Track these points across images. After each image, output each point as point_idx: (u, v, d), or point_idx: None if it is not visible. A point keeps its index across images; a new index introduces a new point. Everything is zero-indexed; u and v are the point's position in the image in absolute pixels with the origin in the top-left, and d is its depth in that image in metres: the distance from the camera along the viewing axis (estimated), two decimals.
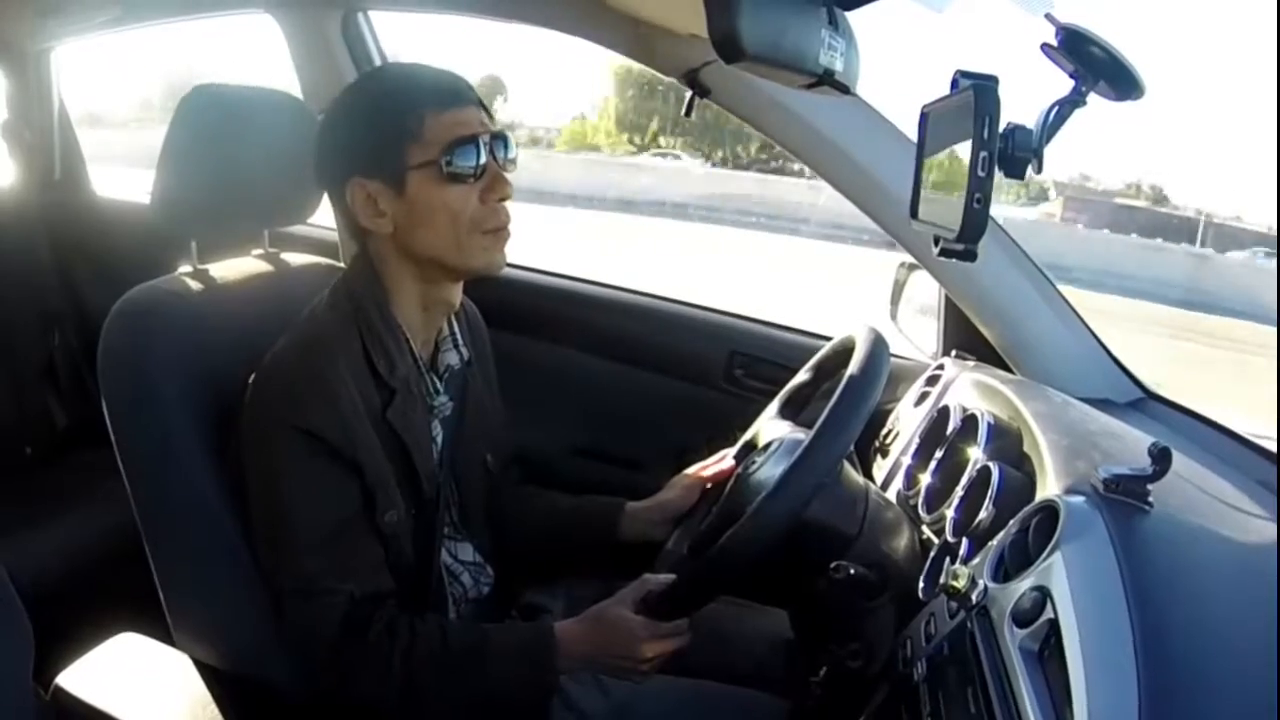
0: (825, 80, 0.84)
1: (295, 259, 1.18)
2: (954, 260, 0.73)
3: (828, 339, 1.12)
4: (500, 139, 0.93)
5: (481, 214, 0.92)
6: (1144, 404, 1.20)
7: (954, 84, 0.72)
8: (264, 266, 1.14)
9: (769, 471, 0.94)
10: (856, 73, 0.90)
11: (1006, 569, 0.73)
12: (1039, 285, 1.20)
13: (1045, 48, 0.75)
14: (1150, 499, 0.76)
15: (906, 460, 1.10)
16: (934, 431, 1.08)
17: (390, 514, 0.94)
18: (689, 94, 1.20)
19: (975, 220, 0.68)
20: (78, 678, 0.95)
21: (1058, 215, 14.89)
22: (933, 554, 0.88)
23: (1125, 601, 0.64)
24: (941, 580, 0.73)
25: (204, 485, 0.96)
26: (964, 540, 0.85)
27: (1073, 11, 0.74)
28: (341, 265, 1.16)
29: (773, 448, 0.99)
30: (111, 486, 1.01)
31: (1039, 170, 0.73)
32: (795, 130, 1.18)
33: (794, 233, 10.49)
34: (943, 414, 1.08)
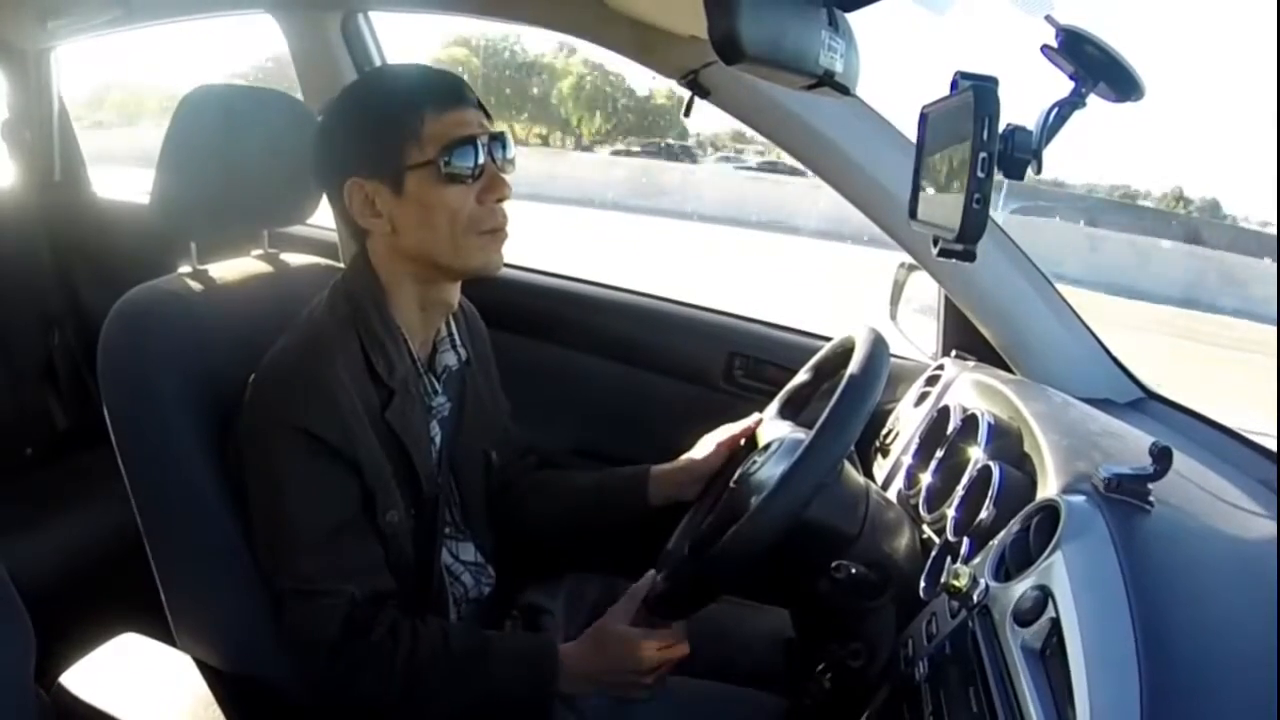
0: (825, 81, 0.84)
1: (295, 259, 1.18)
2: (953, 260, 0.73)
3: (827, 339, 1.12)
4: (498, 140, 0.93)
5: (479, 214, 0.92)
6: (1144, 404, 1.21)
7: (954, 85, 0.72)
8: (263, 267, 1.14)
9: (769, 471, 0.94)
10: (856, 74, 0.90)
11: (1007, 568, 0.73)
12: (1038, 285, 1.20)
13: (1045, 49, 0.75)
14: (1151, 498, 0.77)
15: (907, 460, 1.10)
16: (934, 431, 1.08)
17: (390, 514, 0.94)
18: (689, 94, 1.20)
19: (974, 221, 0.68)
20: (79, 678, 0.95)
21: None
22: (934, 554, 0.88)
23: (1126, 600, 0.64)
24: (943, 580, 0.73)
25: (204, 485, 0.95)
26: (965, 540, 0.85)
27: (1073, 13, 0.74)
28: (341, 265, 1.16)
29: (773, 448, 0.99)
30: (111, 486, 1.01)
31: (1038, 171, 0.73)
32: (795, 131, 1.18)
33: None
34: (943, 414, 1.08)
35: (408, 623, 0.92)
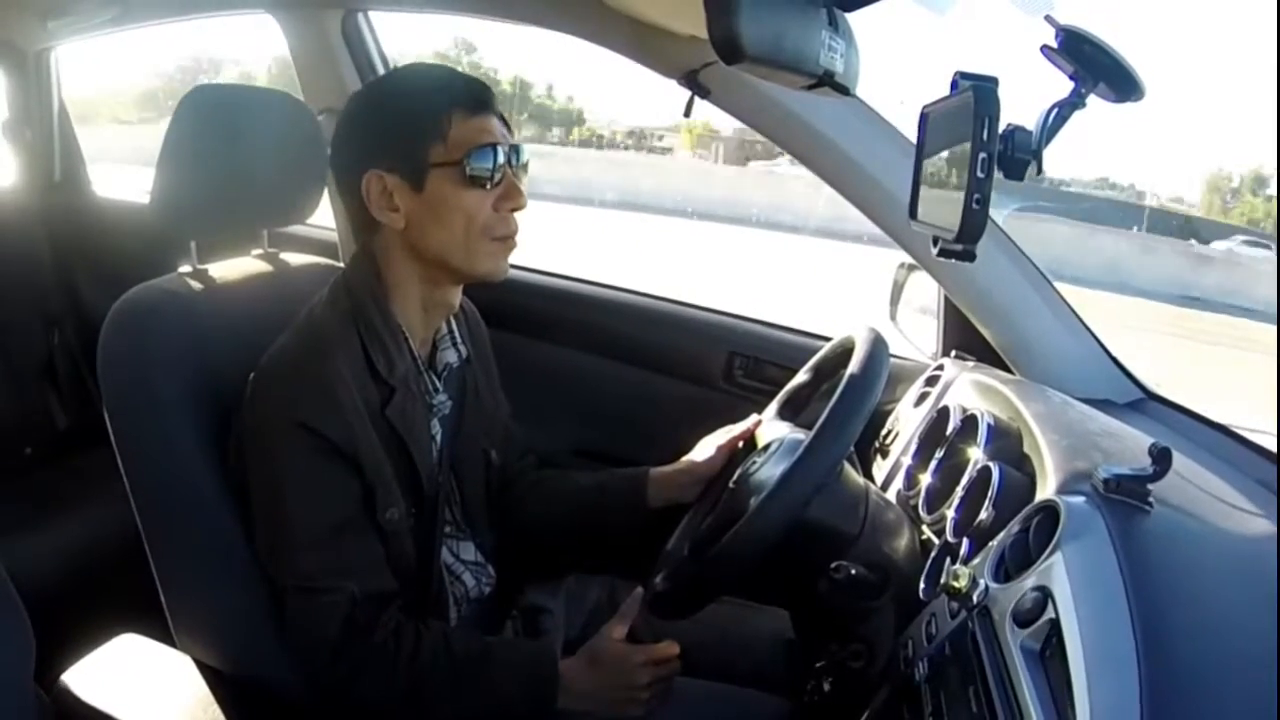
0: (825, 81, 0.84)
1: (294, 259, 1.18)
2: (953, 261, 0.73)
3: (827, 339, 1.12)
4: (516, 150, 0.95)
5: (493, 220, 0.93)
6: (1144, 404, 1.21)
7: (954, 85, 0.72)
8: (263, 266, 1.14)
9: (769, 472, 0.94)
10: (856, 74, 0.90)
11: (1007, 569, 0.73)
12: (1038, 285, 1.20)
13: (1045, 49, 0.75)
14: (1150, 499, 0.77)
15: (907, 460, 1.10)
16: (934, 432, 1.08)
17: (390, 512, 0.94)
18: (689, 95, 1.20)
19: (974, 221, 0.68)
20: (79, 678, 0.95)
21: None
22: (933, 554, 0.88)
23: (1126, 601, 0.64)
24: (942, 580, 0.74)
25: (204, 485, 0.95)
26: (964, 540, 0.85)
27: (1073, 13, 0.74)
28: (341, 265, 1.16)
29: (772, 448, 0.99)
30: (111, 486, 1.01)
31: (1039, 172, 0.73)
32: (795, 131, 1.18)
33: None
34: (943, 414, 1.08)
35: (410, 625, 0.92)
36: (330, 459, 0.90)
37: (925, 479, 1.01)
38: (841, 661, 0.88)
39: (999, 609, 0.69)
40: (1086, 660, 0.59)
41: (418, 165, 0.91)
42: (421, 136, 0.91)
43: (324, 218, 1.22)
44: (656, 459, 1.13)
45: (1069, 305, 1.22)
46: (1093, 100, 0.75)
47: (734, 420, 1.15)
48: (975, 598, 0.70)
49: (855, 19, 0.87)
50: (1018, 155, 0.71)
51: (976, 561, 0.78)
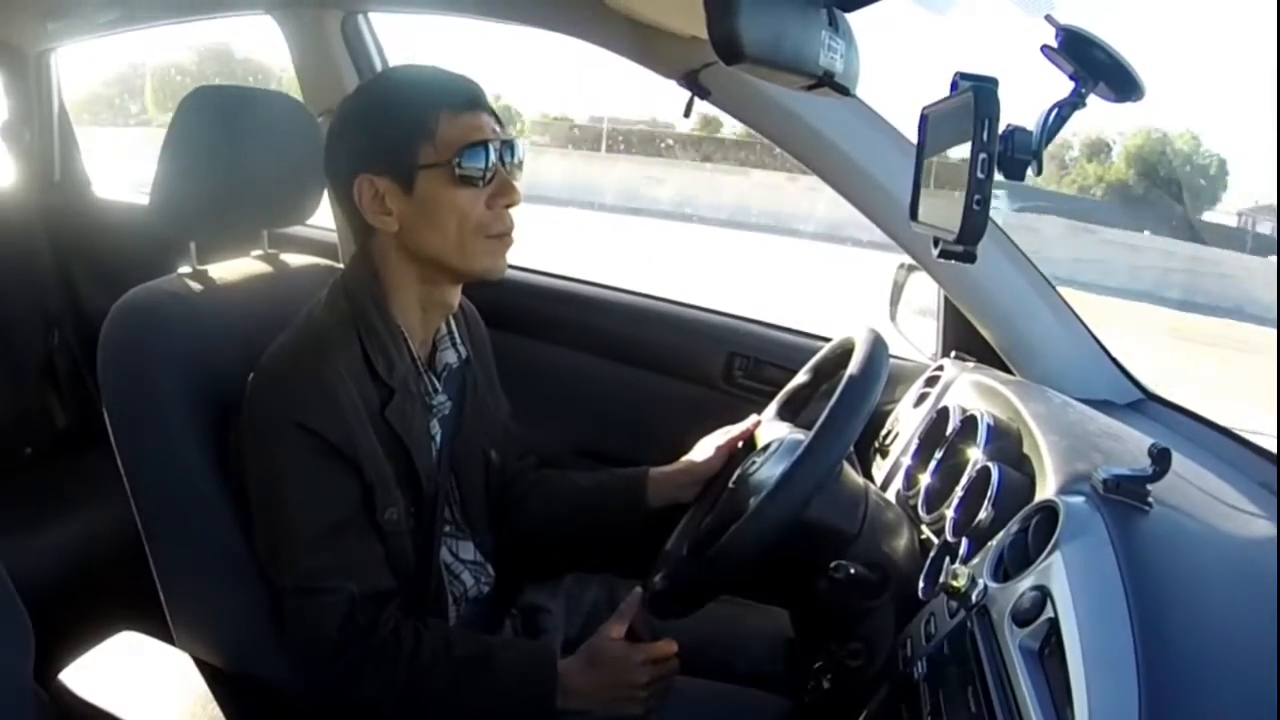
0: (825, 82, 0.84)
1: (294, 260, 1.18)
2: (953, 261, 0.73)
3: (827, 340, 1.12)
4: (509, 146, 0.94)
5: (488, 218, 0.93)
6: (1143, 405, 1.21)
7: (954, 86, 0.72)
8: (263, 267, 1.14)
9: (768, 472, 0.94)
10: (856, 74, 0.90)
11: (1006, 569, 0.73)
12: (1038, 286, 1.20)
13: (1045, 49, 0.75)
14: (1150, 499, 0.77)
15: (906, 461, 1.10)
16: (933, 432, 1.08)
17: (390, 512, 0.94)
18: (689, 95, 1.20)
19: (975, 222, 0.68)
20: (78, 676, 0.95)
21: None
22: (932, 554, 0.88)
23: (1125, 601, 0.64)
24: (941, 580, 0.74)
25: (204, 484, 0.96)
26: (964, 540, 0.85)
27: (1073, 13, 0.74)
28: (340, 266, 1.17)
29: (772, 448, 0.99)
30: (111, 486, 1.01)
31: (1039, 172, 0.73)
32: (795, 132, 1.18)
33: None
34: (942, 415, 1.08)
35: (410, 625, 0.92)
36: (330, 459, 0.90)
37: (925, 479, 1.01)
38: (840, 660, 0.88)
39: (998, 608, 0.69)
40: (1085, 660, 0.59)
41: (407, 167, 0.91)
42: (409, 138, 0.91)
43: (324, 218, 1.22)
44: (656, 459, 1.13)
45: (1069, 306, 1.22)
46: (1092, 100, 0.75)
47: (734, 421, 1.15)
48: (974, 597, 0.70)
49: (855, 19, 0.87)
50: (1018, 155, 0.71)
51: (975, 561, 0.78)
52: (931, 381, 1.23)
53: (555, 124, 13.84)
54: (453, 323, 1.05)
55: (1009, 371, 1.22)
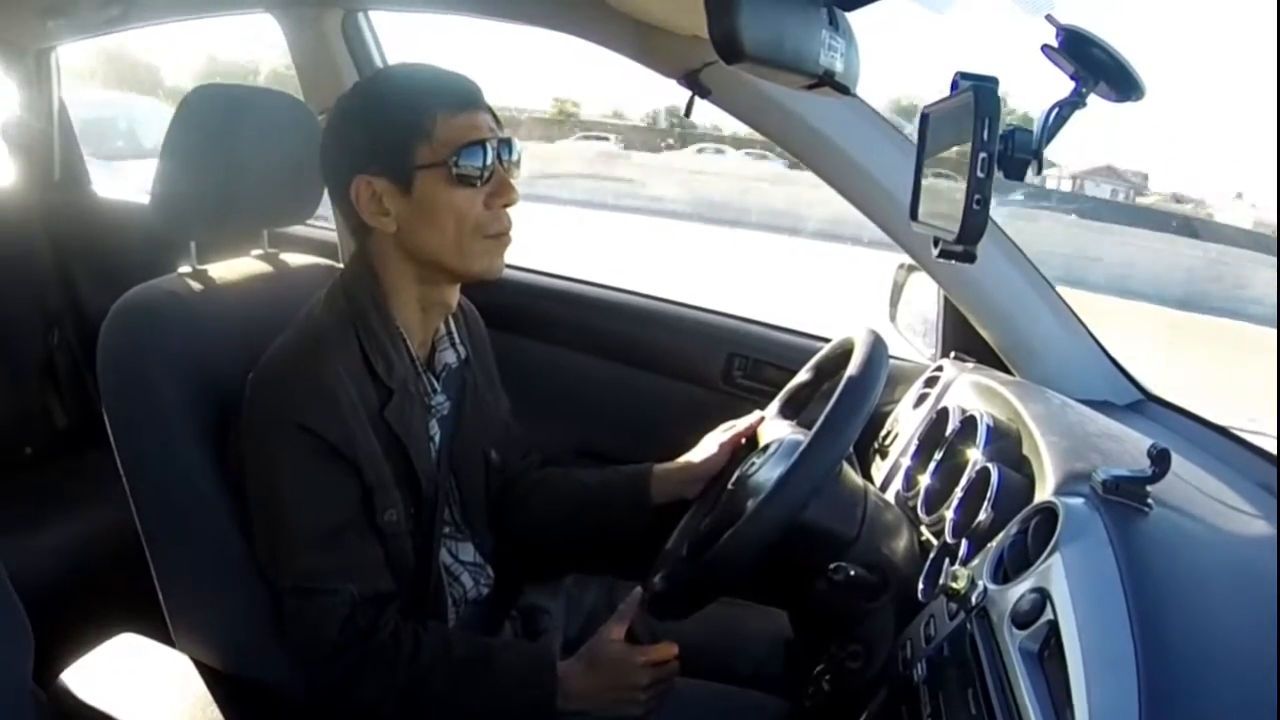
0: (825, 81, 0.84)
1: (294, 259, 1.18)
2: (953, 262, 0.73)
3: (826, 340, 1.12)
4: (507, 144, 0.93)
5: (485, 218, 0.92)
6: (1143, 406, 1.20)
7: (954, 85, 0.72)
8: (263, 267, 1.14)
9: (768, 473, 0.94)
10: (856, 73, 0.90)
11: (1006, 570, 0.73)
12: (1038, 287, 1.20)
13: (1046, 49, 0.75)
14: (1149, 501, 0.76)
15: (906, 462, 1.10)
16: (933, 433, 1.08)
17: (389, 513, 0.94)
18: (689, 94, 1.20)
19: (975, 222, 0.68)
20: (77, 678, 0.95)
21: None
22: (932, 555, 0.88)
23: (1125, 602, 0.64)
24: (941, 581, 0.74)
25: (203, 485, 0.95)
26: (963, 542, 0.85)
27: (1073, 13, 0.74)
28: (340, 265, 1.16)
29: (771, 449, 0.99)
30: (111, 486, 1.01)
31: (1039, 172, 0.73)
32: (795, 131, 1.18)
33: None
34: (942, 415, 1.08)
35: (410, 627, 0.92)
36: (329, 460, 0.89)
37: (924, 480, 1.01)
38: (840, 662, 0.88)
39: (997, 610, 0.68)
40: (1085, 661, 0.59)
41: (404, 168, 0.90)
42: (406, 139, 0.90)
43: (324, 218, 1.22)
44: (655, 460, 1.13)
45: (1069, 307, 1.22)
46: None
47: (733, 421, 1.14)
48: (974, 599, 0.70)
49: (855, 18, 0.87)
50: (1018, 155, 0.71)
51: (975, 563, 0.78)
52: (931, 382, 1.23)
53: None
54: (452, 323, 1.05)
55: (1008, 372, 1.22)
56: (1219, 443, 1.07)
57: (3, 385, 1.75)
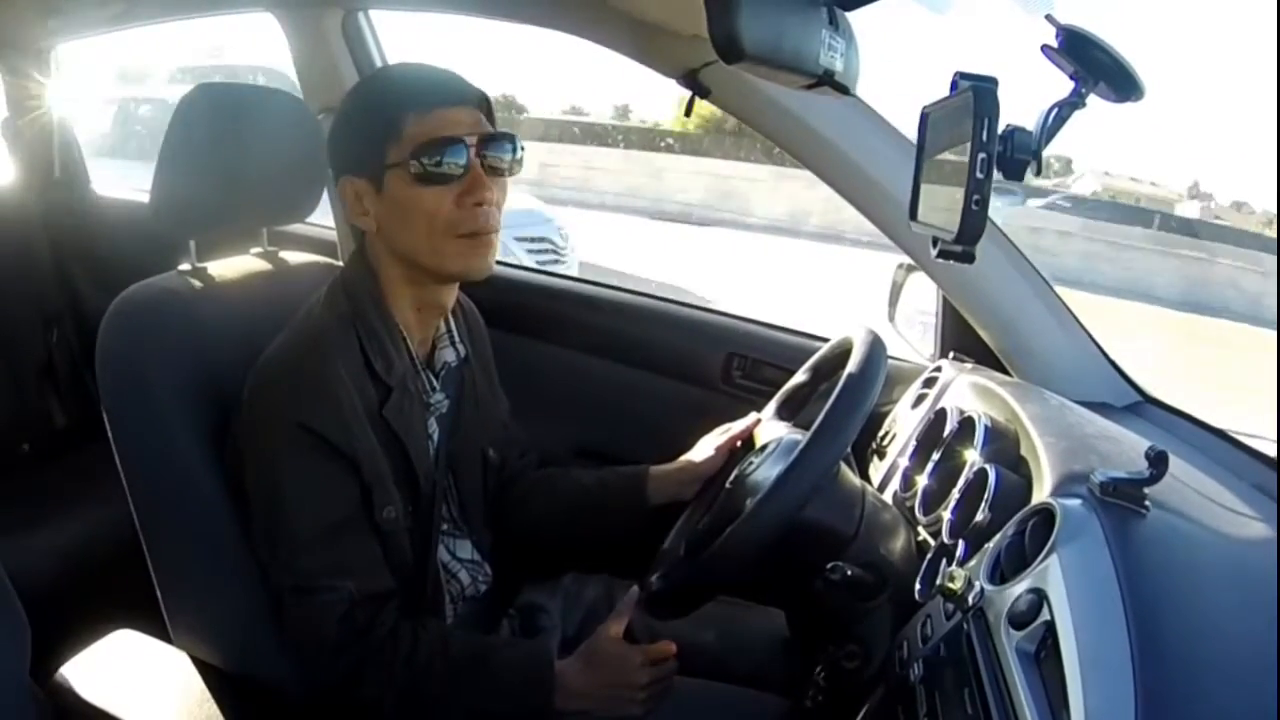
0: (825, 81, 0.84)
1: (294, 258, 1.18)
2: (952, 262, 0.73)
3: (826, 340, 1.12)
4: (491, 141, 0.92)
5: (457, 217, 0.91)
6: (1141, 408, 1.20)
7: (953, 85, 0.72)
8: (262, 265, 1.14)
9: (766, 472, 0.94)
10: (856, 73, 0.90)
11: (1003, 571, 0.73)
12: (1037, 288, 1.20)
13: (1046, 49, 0.75)
14: (1147, 502, 0.76)
15: (903, 462, 1.09)
16: (931, 433, 1.08)
17: (388, 510, 0.94)
18: (689, 94, 1.20)
19: (974, 222, 0.68)
20: (75, 674, 0.95)
21: None
22: (929, 556, 0.88)
23: (1121, 604, 0.64)
24: (938, 582, 0.74)
25: (202, 483, 0.96)
26: (960, 542, 0.85)
27: (1073, 13, 0.74)
28: (340, 264, 1.17)
29: (770, 448, 0.99)
30: (110, 485, 1.01)
31: (1038, 172, 0.73)
32: (795, 131, 1.18)
33: None
34: (940, 416, 1.08)
35: (408, 625, 0.92)
36: (328, 459, 0.90)
37: (922, 480, 1.01)
38: (837, 662, 0.88)
39: (994, 611, 0.68)
40: (1081, 662, 0.59)
41: (376, 167, 0.91)
42: (377, 139, 0.91)
43: (324, 216, 1.22)
44: (655, 459, 1.13)
45: (1068, 308, 1.21)
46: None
47: (732, 421, 1.15)
48: (971, 599, 0.70)
49: (855, 18, 0.87)
50: (1017, 155, 0.71)
51: (972, 563, 0.78)
52: (929, 383, 1.23)
53: None
54: (452, 321, 1.05)
55: (1007, 373, 1.22)
56: (1217, 445, 1.07)
57: (2, 384, 1.75)
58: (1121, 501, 0.76)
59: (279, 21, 1.59)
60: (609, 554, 1.15)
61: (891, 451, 1.17)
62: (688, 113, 1.23)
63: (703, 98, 1.19)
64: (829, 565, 0.86)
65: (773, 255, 8.62)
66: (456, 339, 1.05)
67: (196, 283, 1.04)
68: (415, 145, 0.89)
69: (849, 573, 0.86)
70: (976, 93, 0.68)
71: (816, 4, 0.81)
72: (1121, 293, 8.45)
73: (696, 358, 1.51)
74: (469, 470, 1.07)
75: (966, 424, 1.01)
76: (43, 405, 1.83)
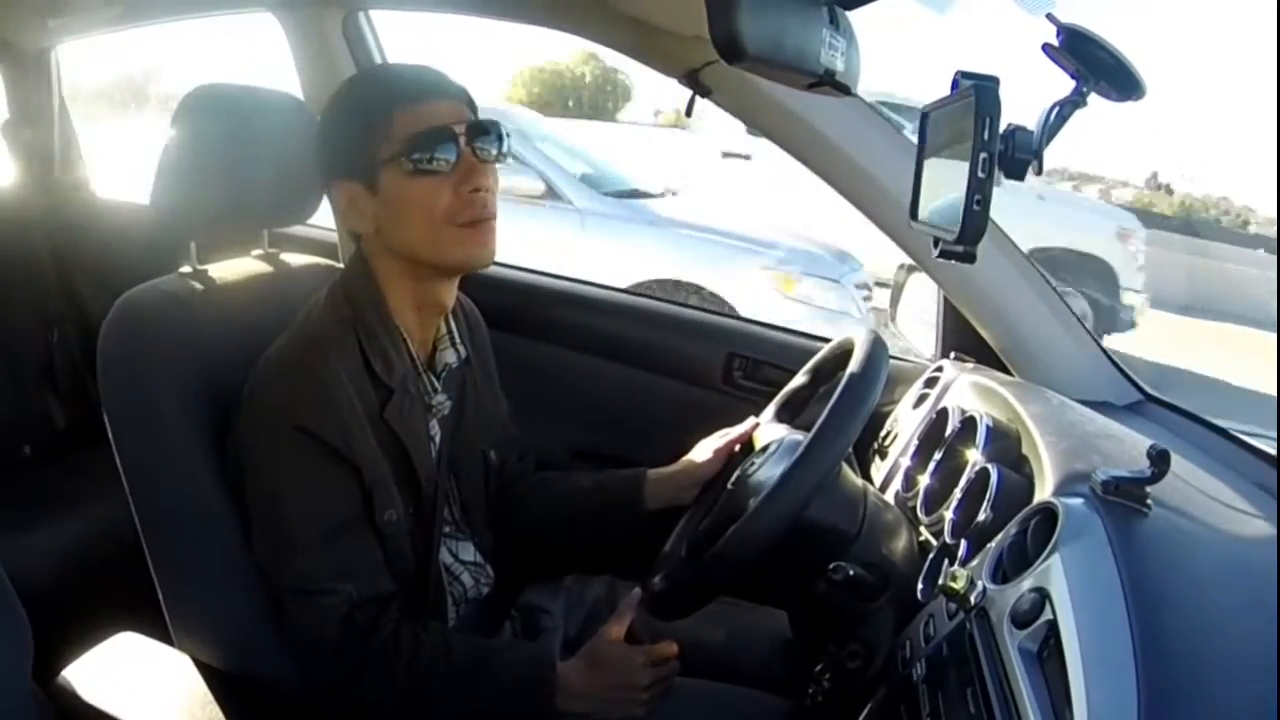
0: (826, 80, 0.84)
1: (294, 259, 1.18)
2: (953, 262, 0.73)
3: (826, 341, 1.12)
4: (479, 129, 0.92)
5: (455, 206, 0.91)
6: (1142, 406, 1.20)
7: (954, 85, 0.71)
8: (263, 267, 1.14)
9: (768, 473, 0.94)
10: (857, 73, 0.90)
11: (1005, 570, 0.73)
12: (1038, 287, 1.20)
13: (1046, 48, 0.75)
14: (1149, 501, 0.76)
15: (905, 462, 1.09)
16: (933, 433, 1.08)
17: (389, 513, 0.94)
18: (690, 94, 1.20)
19: (975, 222, 0.68)
20: (77, 676, 0.95)
21: None
22: (931, 555, 0.88)
23: (1124, 603, 0.64)
24: (940, 581, 0.73)
25: (203, 485, 0.95)
26: (963, 542, 0.85)
27: (1073, 12, 0.74)
28: (340, 265, 1.16)
29: (771, 449, 0.99)
30: (110, 486, 1.01)
31: (1039, 171, 0.73)
32: (795, 131, 1.18)
33: None
34: (941, 416, 1.08)
35: (409, 627, 0.92)
36: (328, 462, 0.89)
37: (924, 480, 1.01)
38: (839, 662, 0.88)
39: (997, 610, 0.68)
40: (1084, 662, 0.59)
41: (369, 168, 0.91)
42: (366, 139, 0.90)
43: (324, 218, 1.22)
44: (655, 460, 1.13)
45: (1069, 307, 1.22)
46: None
47: (732, 422, 1.14)
48: (973, 599, 0.70)
49: (856, 17, 0.87)
50: (1019, 155, 0.71)
51: (974, 563, 0.78)
52: (931, 382, 1.23)
53: None
54: (452, 322, 1.05)
55: (1008, 372, 1.22)
56: (1218, 443, 1.07)
57: (2, 385, 1.74)
58: (1124, 500, 0.76)
59: (279, 21, 1.59)
60: (610, 555, 1.15)
61: (893, 451, 1.17)
62: (688, 112, 1.23)
63: (704, 97, 1.19)
64: (831, 565, 0.86)
65: None
66: (457, 340, 1.05)
67: (197, 285, 1.04)
68: (406, 139, 0.89)
69: (851, 573, 0.86)
70: (978, 92, 0.68)
71: (817, 3, 0.81)
72: None
73: (697, 358, 1.51)
74: (470, 472, 1.07)
75: (968, 424, 1.01)
76: (43, 407, 1.83)
